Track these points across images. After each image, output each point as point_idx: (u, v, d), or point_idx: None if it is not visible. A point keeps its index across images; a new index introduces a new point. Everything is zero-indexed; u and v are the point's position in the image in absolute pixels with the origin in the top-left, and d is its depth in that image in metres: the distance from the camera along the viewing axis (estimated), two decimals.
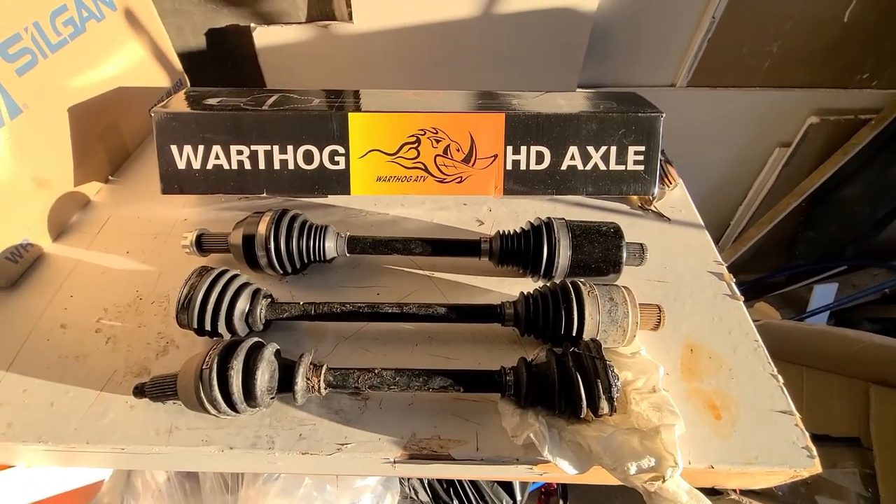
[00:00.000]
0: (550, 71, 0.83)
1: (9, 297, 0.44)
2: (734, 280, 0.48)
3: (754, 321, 0.45)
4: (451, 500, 0.68)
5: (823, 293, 1.06)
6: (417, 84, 0.83)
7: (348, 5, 0.74)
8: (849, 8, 0.80)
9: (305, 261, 0.44)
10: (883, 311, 1.06)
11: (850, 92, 0.92)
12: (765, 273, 1.14)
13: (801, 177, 1.00)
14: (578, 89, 0.86)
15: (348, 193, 0.48)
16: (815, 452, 0.36)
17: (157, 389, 0.35)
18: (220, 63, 0.81)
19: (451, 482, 0.69)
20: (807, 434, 0.37)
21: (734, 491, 0.70)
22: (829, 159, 0.95)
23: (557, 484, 0.85)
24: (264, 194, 0.49)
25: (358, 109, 0.47)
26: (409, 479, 0.67)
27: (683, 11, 0.81)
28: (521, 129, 0.48)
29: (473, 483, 0.68)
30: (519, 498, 0.70)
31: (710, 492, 0.85)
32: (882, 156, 0.91)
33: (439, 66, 0.82)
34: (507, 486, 0.70)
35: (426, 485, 0.68)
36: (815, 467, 0.36)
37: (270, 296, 0.41)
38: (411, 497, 0.68)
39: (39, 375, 0.39)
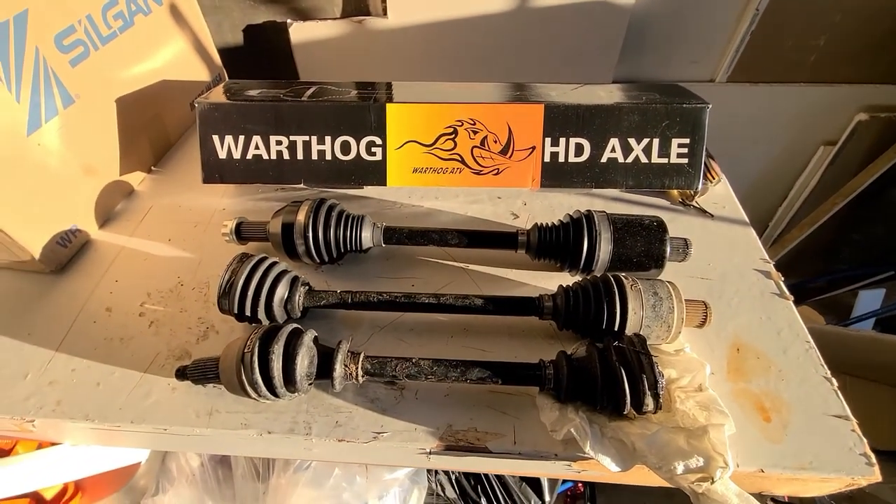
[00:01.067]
0: (585, 65, 0.82)
1: (58, 281, 0.45)
2: (783, 279, 0.46)
3: None
4: (479, 497, 0.68)
5: (869, 299, 1.01)
6: (451, 77, 0.83)
7: (383, 0, 0.75)
8: None
9: (342, 250, 0.44)
10: None
11: None
12: (805, 277, 1.09)
13: (846, 177, 0.95)
14: (613, 83, 0.84)
15: (384, 184, 0.48)
16: (874, 460, 0.34)
17: (199, 372, 0.36)
18: (257, 58, 0.82)
19: (478, 480, 0.68)
20: (864, 440, 0.35)
21: (782, 500, 0.67)
22: (879, 158, 0.90)
23: (585, 486, 0.83)
24: (301, 184, 0.49)
25: (392, 101, 0.47)
26: (436, 474, 0.67)
27: (725, 3, 0.78)
28: (561, 121, 0.47)
29: (501, 481, 0.67)
30: (547, 498, 0.69)
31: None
32: None
33: (473, 61, 0.81)
34: (536, 486, 0.69)
35: (454, 481, 0.67)
36: (874, 476, 0.34)
37: (308, 284, 0.41)
38: (438, 493, 0.67)
39: (87, 356, 0.40)
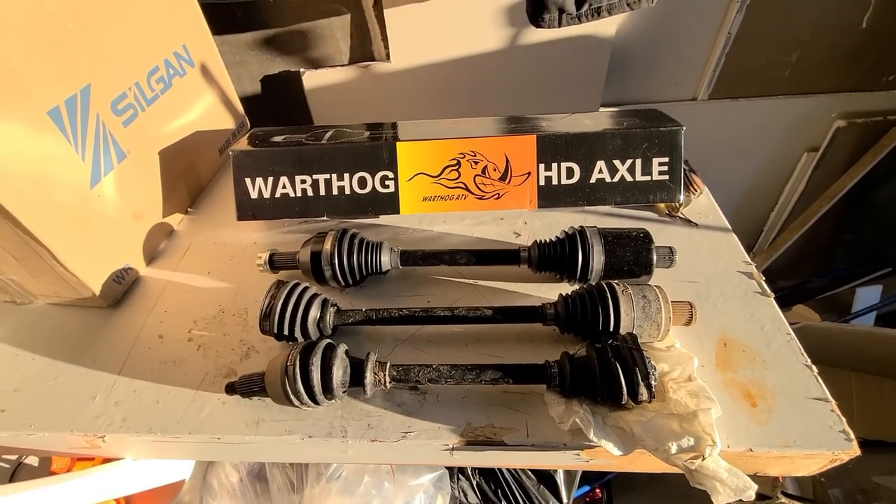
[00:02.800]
0: (574, 93, 0.89)
1: (114, 314, 0.51)
2: (764, 278, 0.50)
3: (792, 324, 0.47)
4: (500, 501, 0.71)
5: (867, 295, 1.04)
6: (450, 113, 0.90)
7: (386, 46, 0.82)
8: (867, 14, 0.82)
9: (364, 273, 0.50)
10: None
11: (877, 94, 0.93)
12: (804, 279, 1.12)
13: (831, 180, 1.00)
14: (601, 108, 0.91)
15: (398, 213, 0.54)
16: (852, 436, 0.38)
17: (246, 386, 0.41)
18: (274, 104, 0.90)
19: (498, 485, 0.71)
20: (843, 419, 0.39)
21: (782, 493, 0.70)
22: (859, 161, 0.95)
23: (602, 492, 0.85)
24: (324, 217, 0.55)
25: (399, 139, 0.53)
26: (458, 480, 0.70)
27: (699, 29, 0.85)
28: (552, 148, 0.52)
29: (520, 485, 0.71)
30: (565, 500, 0.72)
31: (758, 497, 0.83)
32: None
33: (470, 96, 0.88)
34: (553, 489, 0.72)
35: (475, 486, 0.71)
36: (853, 450, 0.38)
37: (336, 304, 0.47)
38: (461, 500, 0.70)
39: (145, 378, 0.45)
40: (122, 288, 0.52)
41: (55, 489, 0.50)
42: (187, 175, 0.63)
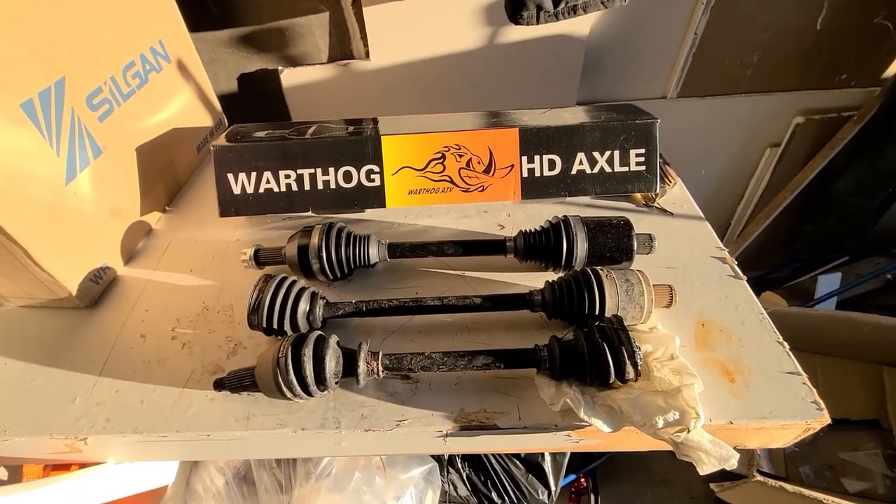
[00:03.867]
0: (551, 92, 0.91)
1: (92, 315, 0.50)
2: (736, 262, 0.53)
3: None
4: (490, 491, 0.71)
5: (828, 282, 1.10)
6: (429, 110, 0.91)
7: (365, 45, 0.83)
8: (820, 16, 0.88)
9: (352, 266, 0.50)
10: (888, 298, 1.10)
11: (832, 92, 0.98)
12: (769, 268, 1.18)
13: (793, 174, 1.06)
14: (576, 105, 0.93)
15: (384, 206, 0.54)
16: (823, 406, 0.40)
17: (236, 381, 0.40)
18: (251, 102, 0.89)
19: (488, 475, 0.72)
20: (814, 391, 0.41)
21: (758, 471, 0.73)
22: (817, 154, 1.01)
23: (587, 480, 0.87)
24: (309, 212, 0.55)
25: (384, 133, 0.53)
26: (448, 473, 0.71)
27: (667, 30, 0.89)
28: (534, 141, 0.54)
29: (509, 475, 0.72)
30: (553, 487, 0.73)
31: (734, 476, 0.87)
32: (867, 149, 0.97)
33: (449, 93, 0.89)
34: (542, 477, 0.73)
35: (465, 478, 0.71)
36: (824, 418, 0.40)
37: (325, 297, 0.47)
38: (451, 493, 0.71)
39: (128, 378, 0.44)
40: (100, 288, 0.51)
41: (28, 496, 0.48)
42: (165, 173, 0.62)
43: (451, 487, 0.71)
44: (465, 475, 0.71)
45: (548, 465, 0.73)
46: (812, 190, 1.04)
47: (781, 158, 1.04)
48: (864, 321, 0.85)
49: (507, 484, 0.71)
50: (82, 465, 0.50)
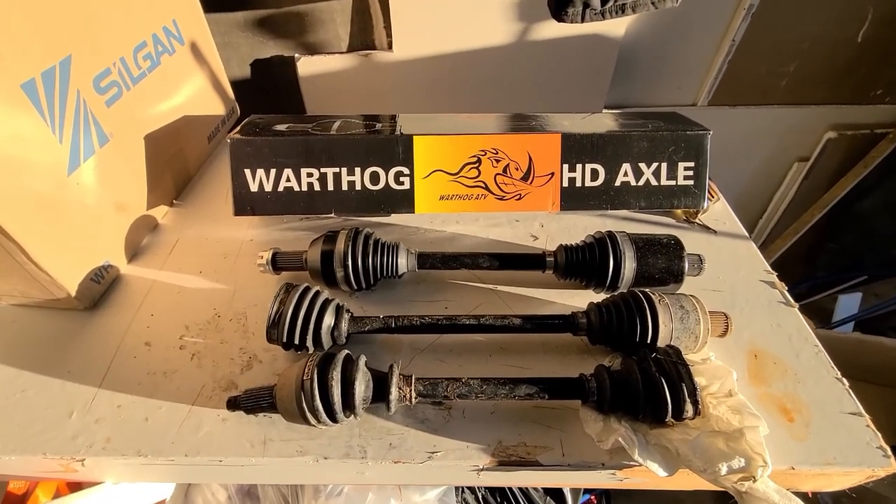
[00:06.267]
0: (578, 93, 0.87)
1: (92, 317, 0.45)
2: (787, 288, 0.50)
3: None
4: None
5: (848, 303, 1.08)
6: (451, 108, 0.87)
7: (389, 35, 0.78)
8: (862, 29, 0.84)
9: (378, 276, 0.46)
10: None
11: (866, 108, 0.95)
12: (787, 286, 1.15)
13: (819, 190, 1.03)
14: (605, 110, 0.89)
15: (413, 212, 0.51)
16: (889, 452, 0.37)
17: (252, 402, 0.36)
18: (264, 91, 0.84)
19: (504, 495, 0.69)
20: (879, 435, 0.38)
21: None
22: (850, 172, 0.98)
23: (599, 496, 0.84)
24: (332, 214, 0.51)
25: (416, 133, 0.49)
26: (462, 492, 0.67)
27: (705, 35, 0.85)
28: (577, 148, 0.50)
29: (526, 496, 0.68)
30: None
31: None
32: None
33: (474, 92, 0.85)
34: (559, 498, 0.70)
35: (480, 498, 0.68)
36: (891, 467, 0.37)
37: (350, 311, 0.43)
38: None
39: (131, 391, 0.40)
40: (101, 288, 0.47)
41: None
42: (174, 163, 0.57)
43: None
44: (480, 495, 0.68)
45: (567, 489, 0.69)
46: (838, 207, 1.01)
47: (809, 173, 1.01)
48: (892, 346, 0.83)
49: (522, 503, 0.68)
50: (77, 483, 0.46)
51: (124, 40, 0.48)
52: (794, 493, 0.34)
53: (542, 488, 0.69)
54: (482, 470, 0.37)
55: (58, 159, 0.40)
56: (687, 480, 0.38)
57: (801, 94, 0.93)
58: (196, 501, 0.56)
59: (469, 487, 0.67)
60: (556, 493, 0.70)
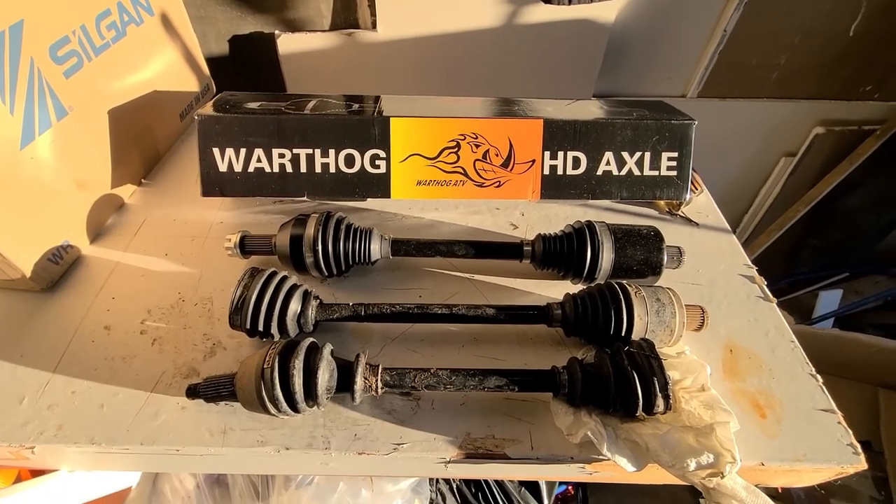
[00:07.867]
0: (567, 80, 0.85)
1: (50, 299, 0.44)
2: (766, 283, 0.49)
3: None
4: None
5: (829, 299, 1.09)
6: (438, 92, 0.85)
7: (373, 13, 0.75)
8: (854, 23, 0.83)
9: (350, 263, 0.44)
10: (886, 317, 1.09)
11: (854, 104, 0.95)
12: (768, 280, 1.16)
13: (805, 186, 1.03)
14: (594, 98, 0.88)
15: (389, 197, 0.49)
16: (860, 450, 0.37)
17: (212, 390, 0.35)
18: (242, 69, 0.81)
19: (479, 487, 0.69)
20: (850, 432, 0.38)
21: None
22: (835, 168, 0.98)
23: (576, 489, 0.85)
24: (304, 198, 0.49)
25: (394, 115, 0.48)
26: (436, 483, 0.67)
27: (696, 25, 0.83)
28: (559, 135, 0.49)
29: (501, 487, 0.68)
30: (546, 502, 0.70)
31: None
32: (887, 165, 0.94)
33: (459, 75, 0.83)
34: (534, 490, 0.70)
35: (454, 489, 0.68)
36: (860, 464, 0.37)
37: (319, 297, 0.41)
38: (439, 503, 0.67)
39: (87, 377, 0.38)
40: (60, 269, 0.45)
41: None
42: (142, 140, 0.55)
43: (440, 497, 0.67)
44: (454, 486, 0.68)
45: (542, 480, 0.70)
46: (823, 203, 1.01)
47: (796, 169, 1.01)
48: (869, 343, 0.83)
49: (498, 497, 0.68)
50: (37, 471, 0.45)
51: (85, 7, 0.45)
52: (763, 489, 0.33)
53: (517, 479, 0.69)
54: (449, 462, 0.36)
55: (9, 131, 0.38)
56: (656, 475, 0.38)
57: (790, 88, 0.92)
58: (163, 489, 0.55)
59: (443, 478, 0.67)
60: (531, 484, 0.70)
